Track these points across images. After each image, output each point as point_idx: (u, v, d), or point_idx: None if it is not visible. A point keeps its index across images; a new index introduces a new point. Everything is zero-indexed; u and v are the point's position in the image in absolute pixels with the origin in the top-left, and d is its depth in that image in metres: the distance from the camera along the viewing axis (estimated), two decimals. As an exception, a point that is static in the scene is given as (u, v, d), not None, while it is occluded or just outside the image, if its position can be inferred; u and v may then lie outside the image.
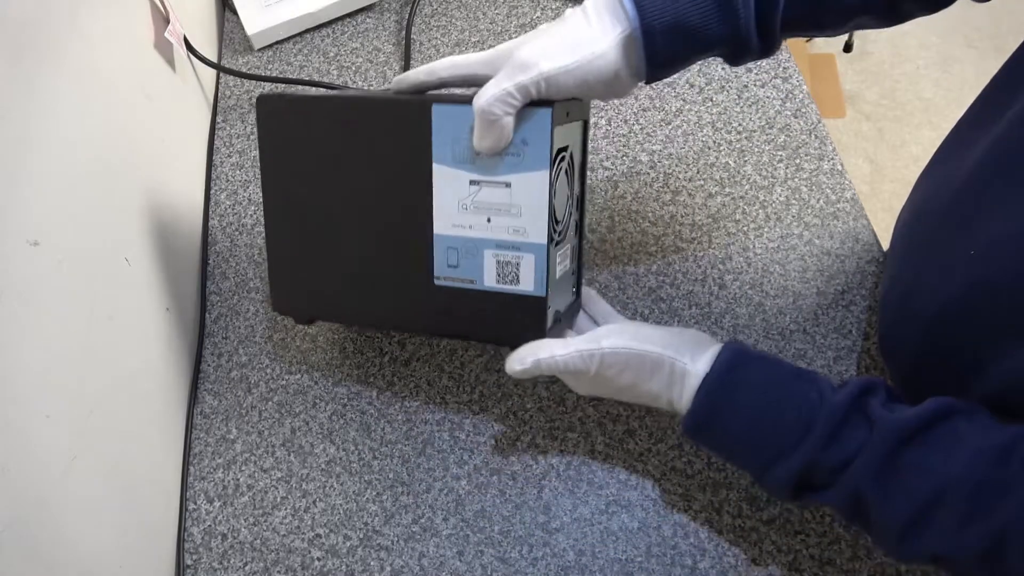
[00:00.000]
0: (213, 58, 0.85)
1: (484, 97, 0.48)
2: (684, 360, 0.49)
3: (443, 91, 0.54)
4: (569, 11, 0.50)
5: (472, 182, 0.52)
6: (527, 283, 0.54)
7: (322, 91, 0.52)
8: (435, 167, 0.52)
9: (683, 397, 0.49)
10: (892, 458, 0.43)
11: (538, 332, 0.55)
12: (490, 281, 0.54)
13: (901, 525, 0.43)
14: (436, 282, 0.55)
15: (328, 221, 0.58)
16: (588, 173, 0.76)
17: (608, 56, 0.48)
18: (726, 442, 0.50)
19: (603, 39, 0.48)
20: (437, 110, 0.51)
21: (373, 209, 0.56)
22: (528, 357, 0.52)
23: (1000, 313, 0.44)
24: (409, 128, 0.52)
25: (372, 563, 0.58)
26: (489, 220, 0.53)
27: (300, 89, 0.83)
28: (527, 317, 0.54)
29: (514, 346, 0.54)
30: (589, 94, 0.51)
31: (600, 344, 0.50)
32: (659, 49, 0.48)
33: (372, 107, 0.54)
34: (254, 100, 0.83)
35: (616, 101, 0.80)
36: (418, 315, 0.58)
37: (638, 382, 0.50)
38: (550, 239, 0.52)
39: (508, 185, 0.52)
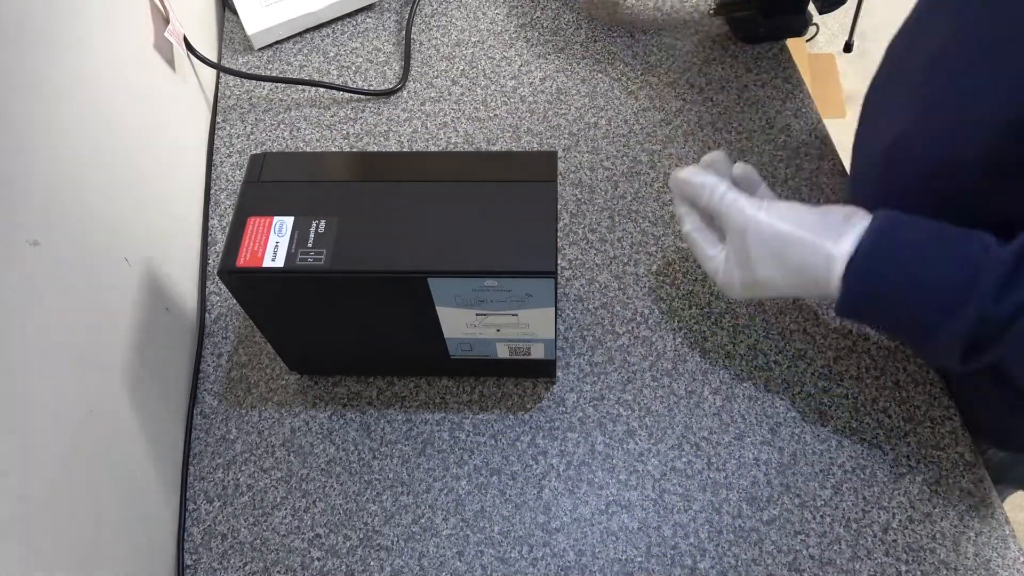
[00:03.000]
0: (213, 58, 0.85)
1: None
2: (827, 243, 0.48)
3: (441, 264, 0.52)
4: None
5: (479, 314, 0.54)
6: (538, 354, 0.60)
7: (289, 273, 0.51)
8: (439, 308, 0.54)
9: (830, 284, 0.48)
10: None
11: (550, 373, 0.64)
12: (503, 355, 0.60)
13: None
14: (452, 357, 0.61)
15: (331, 335, 0.60)
16: (589, 172, 0.76)
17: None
18: (886, 322, 0.49)
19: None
20: (433, 283, 0.51)
21: (379, 327, 0.58)
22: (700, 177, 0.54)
23: None
24: (408, 294, 0.53)
25: (372, 563, 0.58)
26: (499, 331, 0.57)
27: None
28: (539, 368, 0.62)
29: (528, 378, 0.64)
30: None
31: (757, 211, 0.51)
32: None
33: (362, 285, 0.53)
34: (254, 101, 0.83)
35: (616, 101, 0.80)
36: (435, 371, 0.65)
37: (785, 263, 0.50)
38: (556, 333, 0.57)
39: (516, 315, 0.54)
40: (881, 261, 0.46)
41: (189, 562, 0.59)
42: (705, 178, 0.54)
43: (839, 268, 0.47)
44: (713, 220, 0.55)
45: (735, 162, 0.58)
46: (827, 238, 0.48)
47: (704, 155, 0.57)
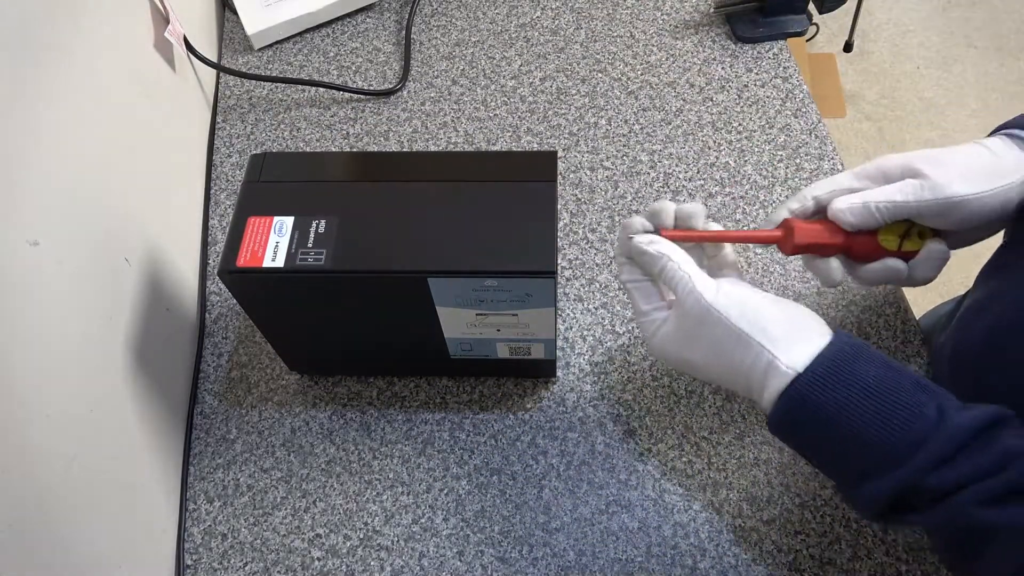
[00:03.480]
0: (213, 58, 0.85)
1: (846, 202, 0.48)
2: (774, 352, 0.42)
3: (440, 264, 0.51)
4: (971, 145, 0.49)
5: (479, 314, 0.54)
6: (538, 354, 0.60)
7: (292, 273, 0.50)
8: (439, 308, 0.54)
9: (763, 395, 0.43)
10: None
11: (550, 373, 0.64)
12: (503, 355, 0.60)
13: None
14: (452, 357, 0.61)
15: (331, 335, 0.60)
16: (589, 172, 0.76)
17: (1017, 188, 0.46)
18: (811, 453, 0.44)
19: (1018, 170, 0.46)
20: (433, 283, 0.51)
21: (379, 327, 0.58)
22: (653, 245, 0.47)
23: None
24: (408, 294, 0.53)
25: (372, 563, 0.58)
26: (499, 331, 0.56)
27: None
28: (539, 368, 0.63)
29: (528, 378, 0.63)
30: (972, 225, 0.48)
31: (715, 297, 0.45)
32: None
33: (362, 285, 0.53)
34: (254, 101, 0.83)
35: (616, 101, 0.80)
36: (435, 371, 0.65)
37: (722, 357, 0.44)
38: (556, 333, 0.57)
39: (516, 315, 0.54)
40: (829, 390, 0.41)
41: (189, 562, 0.59)
42: (659, 248, 0.47)
43: (776, 384, 0.42)
44: None
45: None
46: (777, 346, 0.43)
47: (653, 203, 0.50)
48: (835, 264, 0.50)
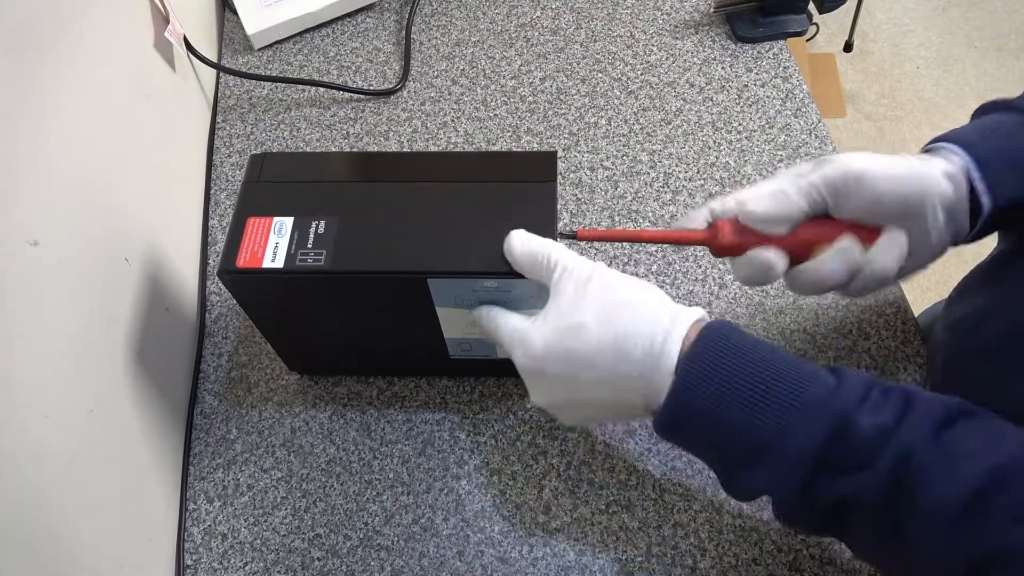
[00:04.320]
0: (213, 58, 0.85)
1: (765, 188, 0.46)
2: (670, 312, 0.42)
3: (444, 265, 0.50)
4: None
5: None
6: None
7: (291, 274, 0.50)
8: (439, 309, 0.54)
9: (660, 363, 0.42)
10: (939, 431, 0.37)
11: None
12: (503, 355, 0.58)
13: (961, 503, 0.36)
14: (452, 357, 0.61)
15: (331, 336, 0.60)
16: (589, 172, 0.76)
17: (937, 179, 0.45)
18: (707, 432, 0.42)
19: (930, 163, 0.46)
20: (433, 283, 0.51)
21: (379, 328, 0.58)
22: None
23: None
24: (408, 295, 0.53)
25: (372, 563, 0.58)
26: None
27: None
28: None
29: None
30: (899, 211, 0.46)
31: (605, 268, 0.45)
32: (1002, 179, 0.45)
33: (362, 286, 0.52)
34: (254, 101, 0.83)
35: (616, 101, 0.80)
36: (435, 371, 0.65)
37: (615, 322, 0.43)
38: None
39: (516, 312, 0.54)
40: (727, 354, 0.40)
41: (189, 562, 0.59)
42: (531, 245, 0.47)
43: (674, 345, 0.41)
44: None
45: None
46: (667, 308, 0.43)
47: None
48: (774, 255, 0.47)
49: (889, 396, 0.39)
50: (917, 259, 0.47)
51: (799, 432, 0.39)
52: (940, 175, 0.46)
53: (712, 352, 0.41)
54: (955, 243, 0.48)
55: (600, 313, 0.43)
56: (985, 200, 0.46)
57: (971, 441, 0.37)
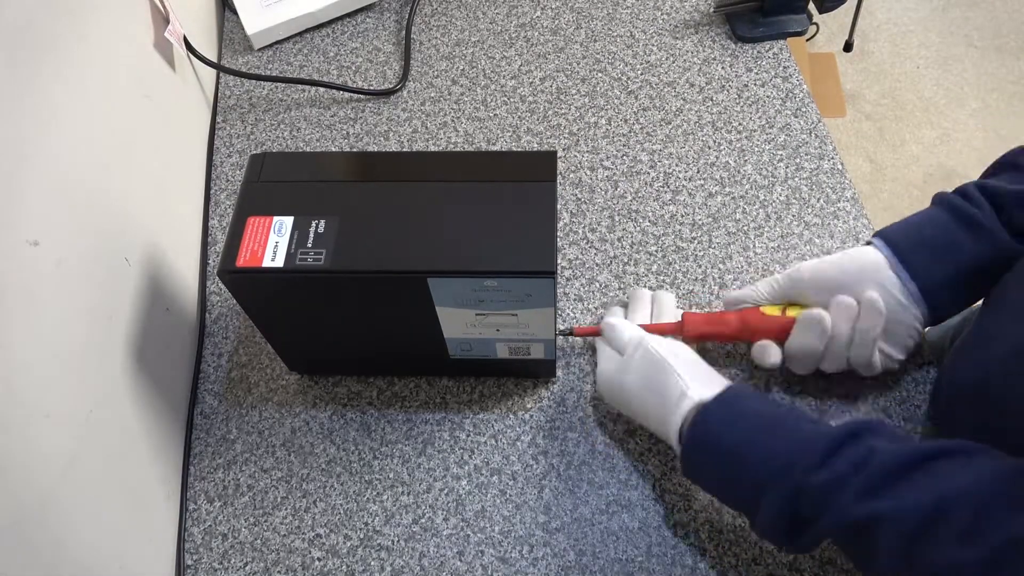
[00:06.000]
0: (213, 58, 0.85)
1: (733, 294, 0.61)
2: (689, 385, 0.52)
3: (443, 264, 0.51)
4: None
5: (478, 314, 0.54)
6: (538, 354, 0.60)
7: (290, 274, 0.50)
8: (439, 308, 0.54)
9: (677, 418, 0.52)
10: (895, 476, 0.42)
11: (550, 373, 0.64)
12: (503, 355, 0.60)
13: (909, 532, 0.41)
14: (452, 357, 0.61)
15: (331, 335, 0.60)
16: (589, 172, 0.76)
17: (868, 253, 0.56)
18: (716, 474, 0.51)
19: (858, 248, 0.57)
20: (433, 283, 0.51)
21: (379, 327, 0.58)
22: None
23: None
24: (408, 294, 0.53)
25: (372, 563, 0.58)
26: (499, 331, 0.56)
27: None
28: (539, 368, 0.63)
29: (528, 378, 0.64)
30: (840, 282, 0.56)
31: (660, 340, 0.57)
32: (912, 259, 0.54)
33: (362, 285, 0.53)
34: (254, 101, 0.83)
35: (616, 101, 0.80)
36: (435, 371, 0.65)
37: (651, 385, 0.54)
38: (555, 333, 0.57)
39: (515, 315, 0.54)
40: (725, 423, 0.50)
41: (189, 562, 0.59)
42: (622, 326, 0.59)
43: (686, 406, 0.51)
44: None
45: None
46: (693, 378, 0.53)
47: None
48: (772, 348, 0.58)
49: (844, 452, 0.45)
50: (896, 339, 0.57)
51: (764, 509, 0.47)
52: (871, 251, 0.56)
53: (699, 442, 0.51)
54: (934, 321, 0.57)
55: (637, 379, 0.56)
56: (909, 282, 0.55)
57: (931, 477, 0.42)
